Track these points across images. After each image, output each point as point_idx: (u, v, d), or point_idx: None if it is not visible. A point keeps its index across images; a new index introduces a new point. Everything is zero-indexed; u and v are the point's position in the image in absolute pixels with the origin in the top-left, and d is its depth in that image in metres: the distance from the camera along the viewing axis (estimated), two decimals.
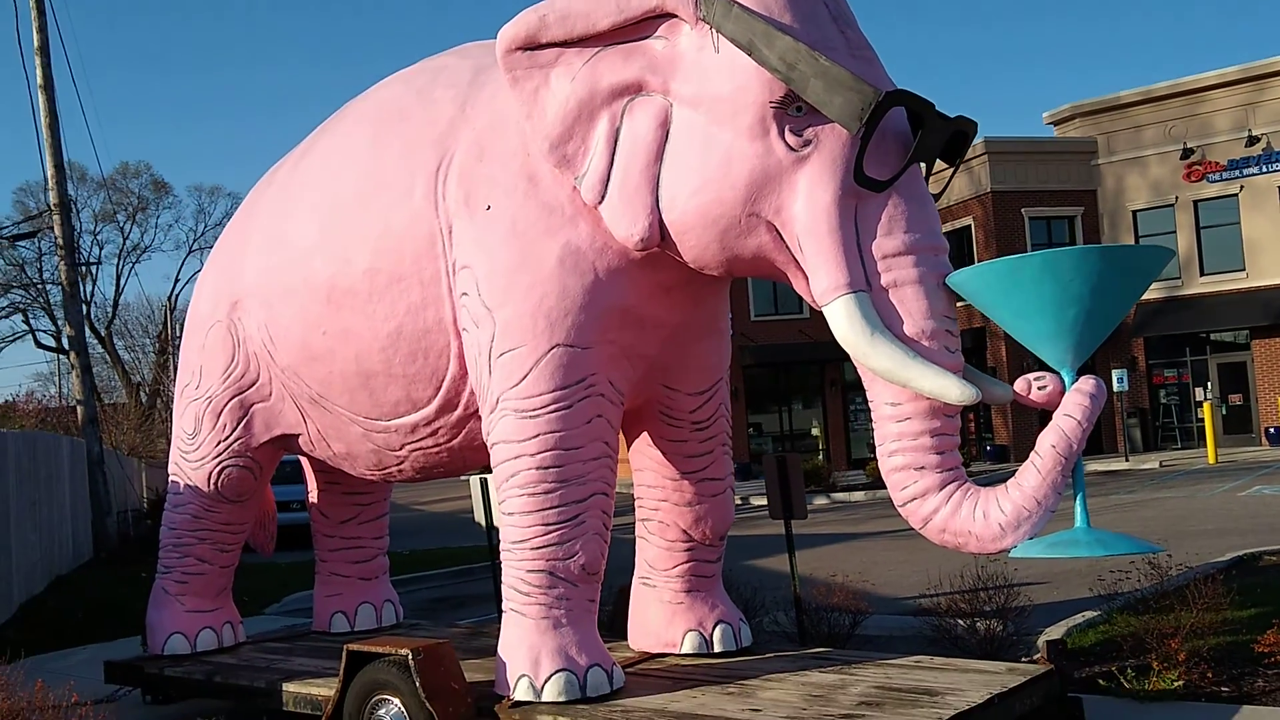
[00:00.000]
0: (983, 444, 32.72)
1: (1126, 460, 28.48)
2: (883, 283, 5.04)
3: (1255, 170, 30.34)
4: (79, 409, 21.08)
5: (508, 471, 5.75)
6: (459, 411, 6.33)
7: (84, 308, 43.66)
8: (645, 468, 6.58)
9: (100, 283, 51.19)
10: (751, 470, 32.85)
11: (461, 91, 6.31)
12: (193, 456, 7.57)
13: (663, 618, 6.62)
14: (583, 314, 5.68)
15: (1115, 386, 28.63)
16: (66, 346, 21.04)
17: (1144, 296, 31.61)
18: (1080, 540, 4.85)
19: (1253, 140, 30.11)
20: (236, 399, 7.31)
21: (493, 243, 5.81)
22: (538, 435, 5.66)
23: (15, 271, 44.62)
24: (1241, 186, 30.57)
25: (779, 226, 5.21)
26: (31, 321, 47.33)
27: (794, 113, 5.10)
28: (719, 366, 6.51)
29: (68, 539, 17.49)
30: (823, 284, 5.07)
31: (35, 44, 20.67)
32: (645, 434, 6.52)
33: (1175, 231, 31.41)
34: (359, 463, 7.07)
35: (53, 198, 20.53)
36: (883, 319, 5.01)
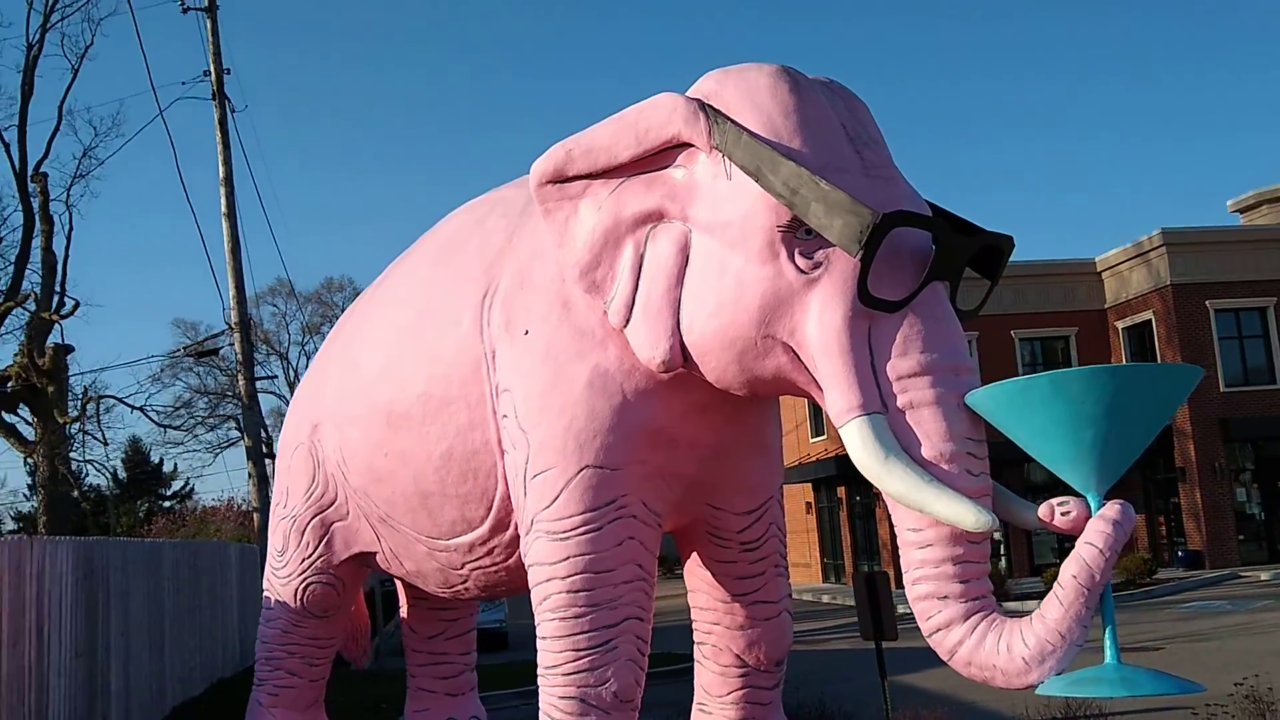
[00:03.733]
0: (1174, 549, 30.84)
1: None
2: (899, 404, 4.93)
3: None
4: (254, 516, 22.21)
5: (540, 595, 5.79)
6: (511, 531, 6.42)
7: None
8: (697, 589, 6.52)
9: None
10: None
11: (512, 221, 6.52)
12: (281, 573, 7.89)
13: None
14: (611, 435, 5.72)
15: None
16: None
17: None
18: (1105, 678, 4.54)
19: None
20: (318, 518, 7.60)
21: (529, 366, 5.95)
22: (568, 558, 5.69)
23: (228, 381, 47.65)
24: None
25: (795, 347, 5.17)
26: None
27: (803, 236, 5.10)
28: (767, 486, 6.42)
29: (234, 642, 18.25)
30: (837, 405, 5.00)
31: (220, 175, 22.37)
32: (695, 554, 6.47)
33: None
34: (429, 580, 7.23)
35: (233, 317, 21.92)
36: (901, 441, 4.88)
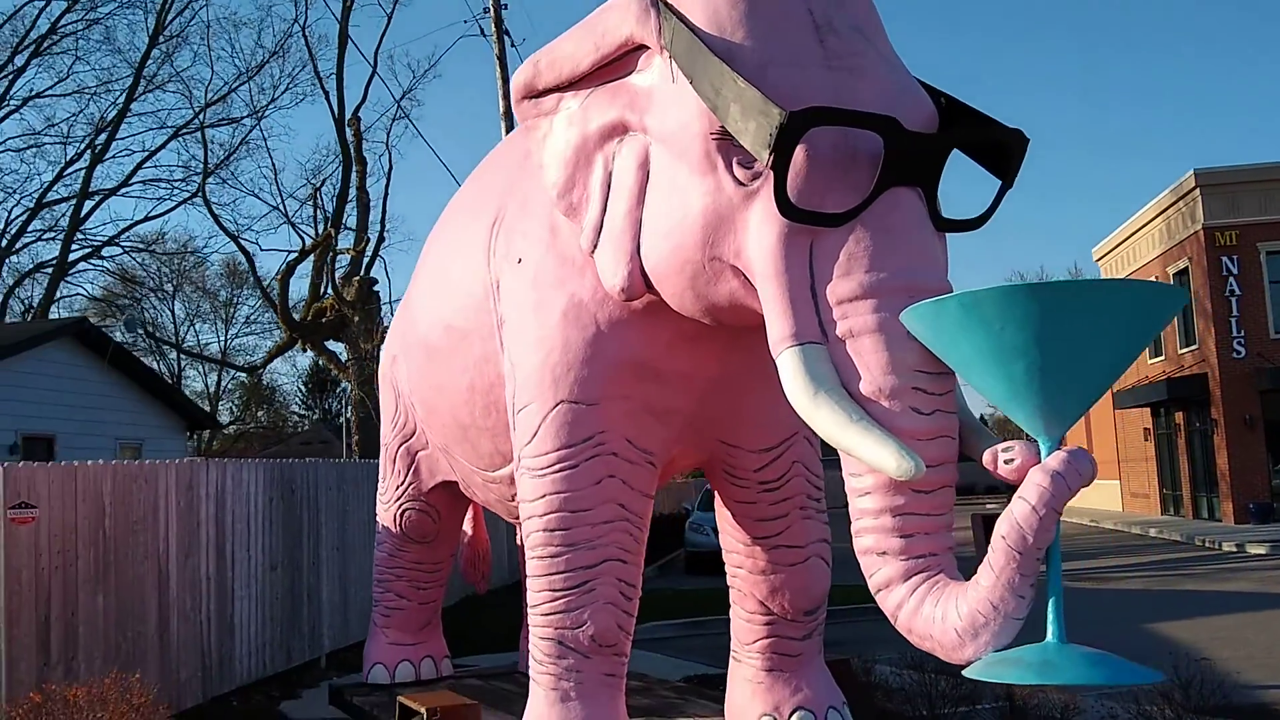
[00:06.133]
0: None
1: None
2: (838, 333, 4.24)
3: None
4: None
5: (525, 532, 5.58)
6: None
7: None
8: (723, 530, 6.07)
9: None
10: (1275, 511, 28.69)
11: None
12: (384, 499, 8.10)
13: (745, 697, 6.03)
14: (585, 368, 5.36)
15: None
16: None
17: None
18: (1027, 661, 3.75)
19: None
20: (403, 447, 7.72)
21: (519, 296, 5.68)
22: (544, 495, 5.43)
23: None
24: None
25: (743, 270, 4.59)
26: None
27: (740, 143, 4.49)
28: (789, 421, 5.79)
29: (501, 555, 18.89)
30: (772, 334, 4.39)
31: (500, 109, 23.09)
32: (718, 494, 6.01)
33: None
34: (498, 510, 7.17)
35: None
36: (841, 375, 4.22)
